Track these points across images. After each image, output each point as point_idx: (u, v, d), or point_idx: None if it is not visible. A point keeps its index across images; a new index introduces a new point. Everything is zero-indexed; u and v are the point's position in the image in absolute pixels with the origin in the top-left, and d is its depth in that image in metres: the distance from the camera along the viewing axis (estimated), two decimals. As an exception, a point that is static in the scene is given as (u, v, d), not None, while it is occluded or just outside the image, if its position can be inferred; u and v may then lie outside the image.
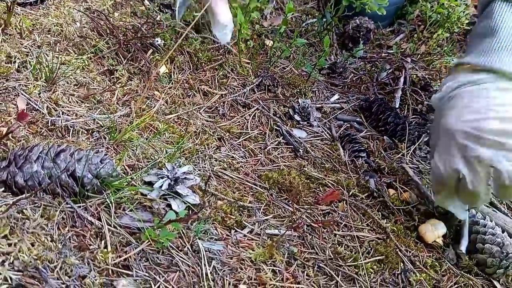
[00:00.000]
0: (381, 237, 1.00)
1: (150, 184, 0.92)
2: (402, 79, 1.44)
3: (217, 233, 0.90)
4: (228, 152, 1.11)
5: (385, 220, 1.04)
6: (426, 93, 1.40)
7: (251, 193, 1.02)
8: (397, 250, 0.98)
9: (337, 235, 0.98)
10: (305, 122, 1.25)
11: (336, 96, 1.37)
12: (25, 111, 0.82)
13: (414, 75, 1.48)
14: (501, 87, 0.84)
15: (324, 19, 1.48)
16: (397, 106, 1.34)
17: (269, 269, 0.87)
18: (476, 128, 0.82)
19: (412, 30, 1.63)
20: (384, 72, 1.47)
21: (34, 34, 1.18)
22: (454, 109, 0.86)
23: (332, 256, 0.93)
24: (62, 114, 1.01)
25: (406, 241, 1.00)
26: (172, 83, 1.25)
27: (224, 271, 0.84)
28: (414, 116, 1.35)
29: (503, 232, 1.03)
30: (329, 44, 1.53)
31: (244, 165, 1.09)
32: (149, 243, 0.83)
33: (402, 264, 0.96)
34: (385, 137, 1.25)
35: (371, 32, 1.54)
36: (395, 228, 1.02)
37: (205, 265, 0.84)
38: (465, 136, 0.83)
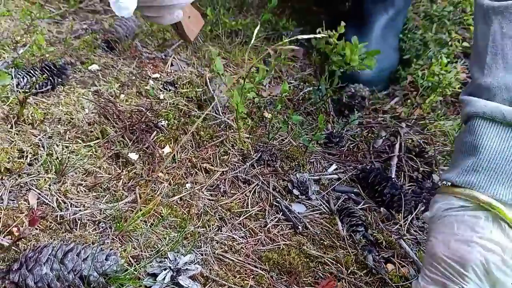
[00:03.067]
0: (380, 317, 1.02)
1: (154, 276, 0.96)
2: (397, 146, 1.48)
3: (218, 322, 0.94)
4: (229, 232, 1.16)
5: (384, 298, 1.06)
6: (421, 159, 1.44)
7: (252, 276, 1.06)
8: (396, 331, 0.99)
9: (337, 318, 1.00)
10: (304, 196, 1.29)
11: (333, 167, 1.42)
12: (36, 215, 0.88)
13: (410, 140, 1.52)
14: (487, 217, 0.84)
15: (319, 91, 1.55)
16: (393, 176, 1.38)
17: None
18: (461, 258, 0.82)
19: (405, 94, 1.69)
20: (380, 140, 1.52)
21: (45, 124, 1.26)
22: (442, 234, 0.86)
23: None
24: (71, 207, 1.07)
25: (405, 320, 1.02)
26: (175, 163, 1.31)
27: None
28: (410, 184, 1.38)
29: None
30: (326, 113, 1.60)
31: (245, 246, 1.13)
32: (153, 338, 0.87)
33: None
34: (382, 208, 1.29)
35: (366, 100, 1.60)
36: (394, 307, 1.04)
37: None
38: (449, 266, 0.83)
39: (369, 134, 1.56)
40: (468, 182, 0.86)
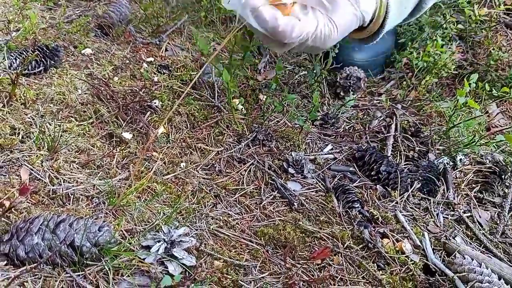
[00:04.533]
0: (377, 289, 1.01)
1: (148, 248, 0.95)
2: (393, 126, 1.47)
3: (213, 294, 0.93)
4: (224, 209, 1.15)
5: (380, 271, 1.05)
6: (417, 139, 1.44)
7: (247, 251, 1.05)
8: (393, 302, 0.99)
9: (333, 290, 0.99)
10: (299, 175, 1.28)
11: (329, 147, 1.41)
12: (27, 184, 0.86)
13: (405, 121, 1.52)
14: None
15: (314, 73, 1.54)
16: (389, 154, 1.38)
17: (265, 329, 0.89)
18: None
19: (401, 77, 1.69)
20: (376, 120, 1.51)
21: (37, 104, 1.25)
22: None
23: (328, 312, 0.94)
24: (63, 182, 1.06)
25: (402, 292, 1.01)
26: (169, 143, 1.30)
27: (220, 333, 0.86)
28: (406, 163, 1.38)
29: (499, 279, 1.04)
30: (321, 95, 1.60)
31: (240, 222, 1.12)
32: (147, 308, 0.86)
33: (398, 317, 0.96)
34: (378, 186, 1.28)
35: (361, 81, 1.59)
36: (390, 280, 1.03)
37: (201, 328, 0.86)
38: None
39: (365, 116, 1.56)
40: None
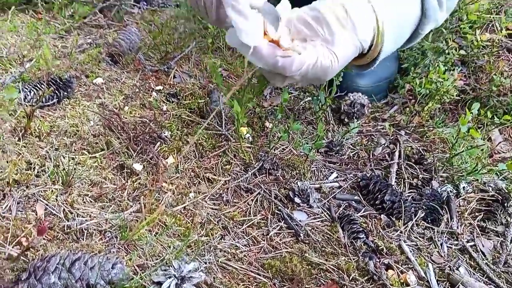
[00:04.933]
0: (382, 322, 1.04)
1: (159, 284, 0.98)
2: (397, 153, 1.50)
3: (222, 329, 0.96)
4: (232, 241, 1.18)
5: (385, 304, 1.08)
6: (420, 166, 1.46)
7: (255, 284, 1.08)
8: (398, 336, 1.01)
9: (339, 324, 1.02)
10: (305, 204, 1.31)
11: (334, 175, 1.44)
12: (44, 224, 0.90)
13: (409, 148, 1.55)
14: None
15: (319, 101, 1.57)
16: (393, 182, 1.40)
17: None
18: None
19: (404, 102, 1.72)
20: (380, 147, 1.54)
21: (51, 137, 1.29)
22: None
23: None
24: (77, 217, 1.10)
25: (406, 325, 1.04)
26: (179, 173, 1.34)
27: None
28: (410, 191, 1.40)
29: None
30: (326, 122, 1.63)
31: (248, 254, 1.15)
32: None
33: None
34: (382, 215, 1.31)
35: (365, 107, 1.63)
36: (395, 312, 1.06)
37: None
38: None
39: (369, 142, 1.59)
40: None
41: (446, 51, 1.74)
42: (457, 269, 1.18)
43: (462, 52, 1.73)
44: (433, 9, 1.02)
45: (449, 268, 1.18)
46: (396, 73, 1.80)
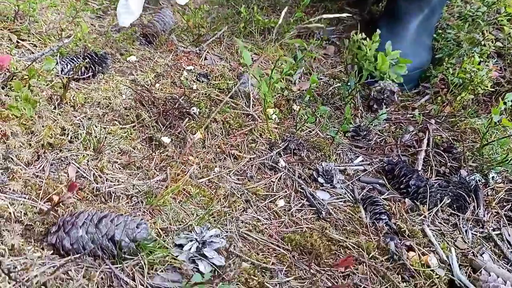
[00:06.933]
0: (400, 301, 1.03)
1: (181, 246, 1.01)
2: (425, 141, 1.48)
3: (240, 294, 0.97)
4: (254, 214, 1.19)
5: (404, 283, 1.07)
6: (449, 155, 1.44)
7: (274, 255, 1.09)
8: (416, 314, 1.00)
9: (356, 298, 1.02)
10: (329, 185, 1.31)
11: (359, 159, 1.43)
12: (74, 182, 0.94)
13: (438, 137, 1.52)
14: None
15: (348, 86, 1.57)
16: (419, 169, 1.39)
17: (288, 330, 0.92)
18: None
19: (436, 92, 1.69)
20: (408, 134, 1.52)
21: (85, 107, 1.34)
22: None
23: (350, 319, 0.97)
24: (106, 181, 1.14)
25: (425, 305, 1.03)
26: (205, 148, 1.37)
27: (245, 331, 0.91)
28: (436, 178, 1.38)
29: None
30: (354, 107, 1.62)
31: (269, 227, 1.16)
32: (177, 303, 0.91)
33: (420, 329, 0.98)
34: (406, 199, 1.30)
35: (395, 94, 1.61)
36: (414, 292, 1.05)
37: (227, 325, 0.90)
38: None
39: (397, 130, 1.57)
40: None
41: (482, 43, 1.70)
42: (481, 255, 1.16)
43: (499, 44, 1.69)
44: None
45: (472, 254, 1.16)
46: (429, 63, 1.77)
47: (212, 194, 1.21)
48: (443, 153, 1.45)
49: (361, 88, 1.61)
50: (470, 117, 1.58)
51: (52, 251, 0.92)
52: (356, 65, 1.56)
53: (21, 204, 0.98)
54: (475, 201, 1.31)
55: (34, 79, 1.24)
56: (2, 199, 0.96)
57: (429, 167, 1.42)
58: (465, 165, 1.42)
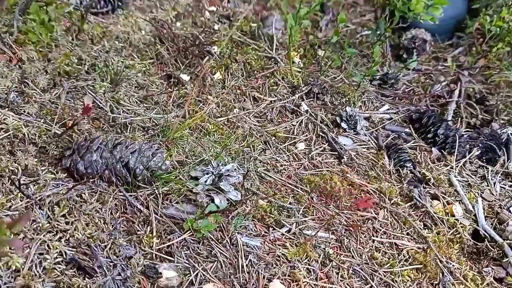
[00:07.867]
0: (421, 246, 0.99)
1: (196, 179, 0.98)
2: (457, 92, 1.41)
3: (255, 229, 0.95)
4: (273, 155, 1.15)
5: (426, 230, 1.03)
6: (481, 107, 1.37)
7: (292, 195, 1.05)
8: (437, 260, 0.96)
9: (375, 241, 0.98)
10: (352, 130, 1.26)
11: (386, 107, 1.37)
12: (89, 105, 0.91)
13: (471, 89, 1.44)
14: None
15: (378, 30, 1.49)
16: (449, 119, 1.32)
17: (304, 267, 0.90)
18: None
19: (471, 43, 1.59)
20: (438, 85, 1.45)
21: (103, 40, 1.30)
22: None
23: (368, 261, 0.94)
24: (122, 112, 1.11)
25: (448, 252, 0.98)
26: (225, 89, 1.32)
27: (259, 265, 0.88)
28: (466, 130, 1.32)
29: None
30: (383, 56, 1.54)
31: (287, 168, 1.13)
32: (191, 233, 0.89)
33: (441, 274, 0.94)
34: (433, 148, 1.24)
35: (427, 43, 1.52)
36: (436, 239, 1.00)
37: (242, 258, 0.88)
38: None
39: (427, 80, 1.49)
40: None
41: (524, -8, 1.58)
42: (508, 209, 1.11)
43: (543, -6, 1.57)
44: None
45: (499, 207, 1.11)
46: (465, 13, 1.67)
47: (230, 133, 1.17)
48: (475, 105, 1.37)
49: (391, 34, 1.52)
50: (506, 70, 1.48)
51: (65, 174, 0.90)
52: (388, 7, 1.47)
53: (36, 127, 0.96)
54: (506, 154, 1.25)
55: (52, 6, 1.20)
56: (16, 120, 0.94)
57: (459, 118, 1.35)
58: (497, 118, 1.34)
